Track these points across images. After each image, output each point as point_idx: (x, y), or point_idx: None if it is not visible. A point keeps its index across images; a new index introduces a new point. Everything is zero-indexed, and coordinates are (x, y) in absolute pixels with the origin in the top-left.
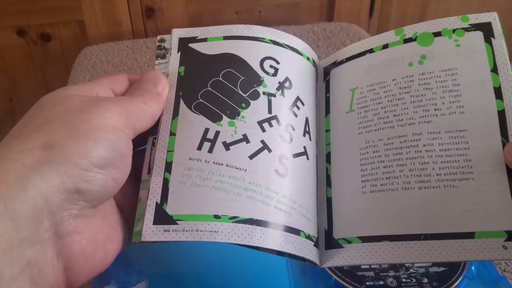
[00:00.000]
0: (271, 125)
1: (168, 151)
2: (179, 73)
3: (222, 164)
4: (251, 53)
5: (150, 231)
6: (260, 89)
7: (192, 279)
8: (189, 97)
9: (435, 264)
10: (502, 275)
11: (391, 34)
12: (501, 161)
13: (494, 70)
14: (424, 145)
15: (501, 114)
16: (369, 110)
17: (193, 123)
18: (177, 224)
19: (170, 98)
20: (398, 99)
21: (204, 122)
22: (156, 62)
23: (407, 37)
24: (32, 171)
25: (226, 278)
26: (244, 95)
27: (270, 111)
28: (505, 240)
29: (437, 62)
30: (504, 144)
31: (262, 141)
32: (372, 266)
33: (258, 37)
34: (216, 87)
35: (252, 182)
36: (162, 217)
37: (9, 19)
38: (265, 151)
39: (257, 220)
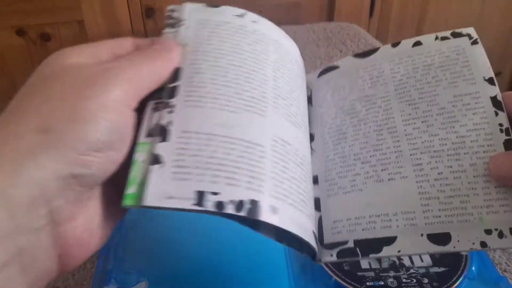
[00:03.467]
0: None
1: None
2: None
3: None
4: None
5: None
6: None
7: (191, 279)
8: None
9: (435, 264)
10: (502, 275)
11: None
12: None
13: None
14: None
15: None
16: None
17: None
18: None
19: None
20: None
21: None
22: (165, 31)
23: None
24: (27, 158)
25: (225, 278)
26: None
27: None
28: None
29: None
30: None
31: None
32: (373, 266)
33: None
34: None
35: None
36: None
37: (9, 19)
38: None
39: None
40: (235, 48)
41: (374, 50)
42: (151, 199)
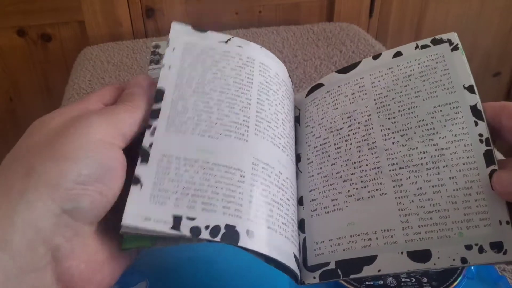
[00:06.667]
0: None
1: None
2: None
3: None
4: None
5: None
6: None
7: (192, 278)
8: None
9: None
10: (501, 274)
11: None
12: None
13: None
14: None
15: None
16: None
17: None
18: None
19: None
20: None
21: None
22: (149, 67)
23: None
24: (19, 202)
25: (226, 278)
26: None
27: None
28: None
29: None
30: None
31: None
32: None
33: None
34: None
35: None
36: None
37: (9, 19)
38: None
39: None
40: (219, 74)
41: (355, 64)
42: (129, 219)
